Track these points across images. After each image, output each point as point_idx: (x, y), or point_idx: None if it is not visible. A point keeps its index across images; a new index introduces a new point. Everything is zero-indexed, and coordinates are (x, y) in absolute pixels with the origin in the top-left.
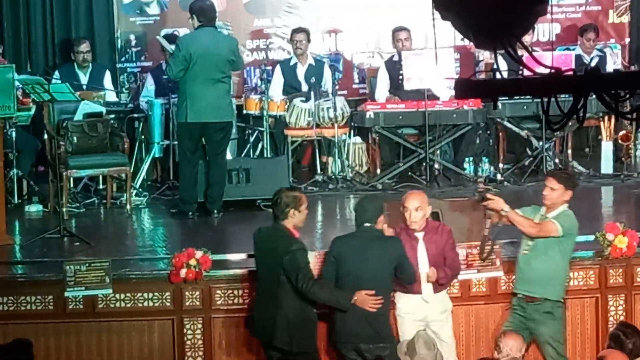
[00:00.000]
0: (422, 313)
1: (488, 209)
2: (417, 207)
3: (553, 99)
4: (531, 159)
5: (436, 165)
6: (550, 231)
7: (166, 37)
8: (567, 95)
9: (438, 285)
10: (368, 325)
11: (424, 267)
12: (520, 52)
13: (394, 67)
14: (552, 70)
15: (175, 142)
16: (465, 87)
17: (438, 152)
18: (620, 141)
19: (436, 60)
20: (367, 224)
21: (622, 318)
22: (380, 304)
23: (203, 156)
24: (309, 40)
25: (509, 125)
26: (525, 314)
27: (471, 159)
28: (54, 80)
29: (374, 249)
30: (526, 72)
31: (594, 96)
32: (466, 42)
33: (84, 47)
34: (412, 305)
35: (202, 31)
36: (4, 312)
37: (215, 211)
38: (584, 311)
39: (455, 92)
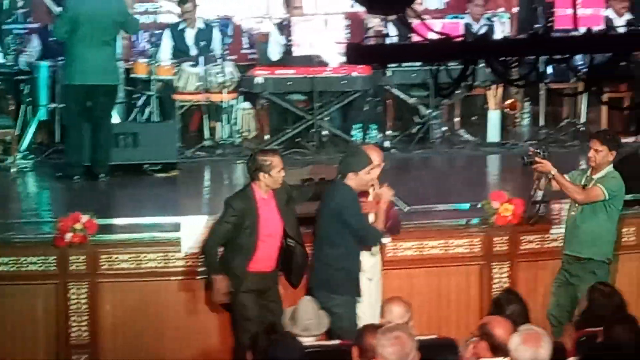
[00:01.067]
0: (373, 268)
1: (537, 172)
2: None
3: (443, 67)
4: (419, 126)
5: (324, 132)
6: (596, 196)
7: None
8: (456, 63)
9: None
10: (314, 273)
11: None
12: (409, 19)
13: (284, 32)
14: (443, 36)
15: (62, 105)
16: (356, 52)
17: (327, 118)
18: (506, 110)
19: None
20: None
21: (506, 286)
22: None
23: (89, 119)
24: (195, 5)
25: (397, 92)
26: (570, 270)
27: (360, 125)
28: None
29: (323, 203)
30: (416, 39)
31: (481, 65)
32: (356, 9)
33: None
34: (364, 262)
35: None
36: None
37: (102, 175)
38: (469, 279)
39: (347, 57)
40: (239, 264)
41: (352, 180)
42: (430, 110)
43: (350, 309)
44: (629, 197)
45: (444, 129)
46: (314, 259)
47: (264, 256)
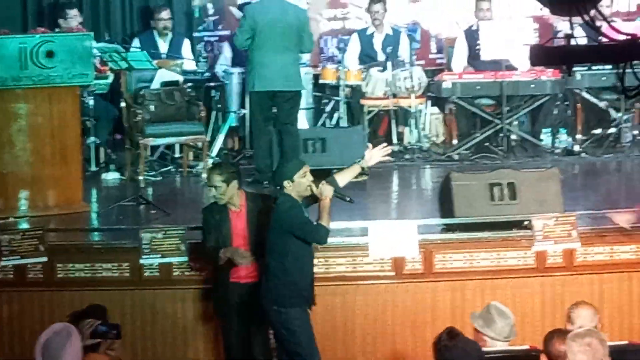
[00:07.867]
0: None
1: None
2: None
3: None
4: (609, 130)
5: (513, 136)
6: None
7: (242, 6)
8: None
9: None
10: (263, 288)
11: None
12: (599, 22)
13: (472, 37)
14: (629, 37)
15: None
16: (540, 53)
17: (515, 122)
18: None
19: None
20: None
21: None
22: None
23: (275, 125)
24: (385, 10)
25: (587, 96)
26: None
27: (549, 130)
28: (132, 48)
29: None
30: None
31: None
32: (545, 12)
33: (165, 14)
34: None
35: (270, 0)
36: (80, 279)
37: None
38: None
39: (530, 58)
40: None
41: (290, 188)
42: (621, 114)
43: (303, 321)
44: None
45: (635, 132)
46: (264, 275)
47: None
